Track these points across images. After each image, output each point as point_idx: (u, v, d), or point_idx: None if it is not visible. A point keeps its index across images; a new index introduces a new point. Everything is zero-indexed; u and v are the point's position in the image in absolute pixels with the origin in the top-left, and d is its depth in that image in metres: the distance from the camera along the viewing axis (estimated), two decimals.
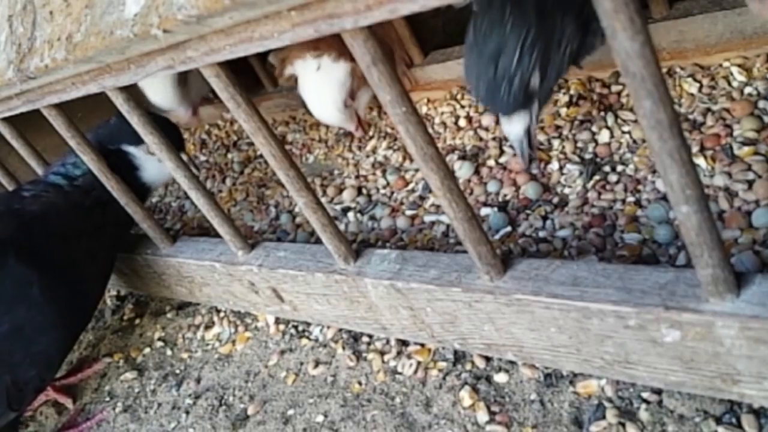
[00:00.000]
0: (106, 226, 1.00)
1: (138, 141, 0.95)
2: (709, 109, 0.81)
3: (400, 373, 0.79)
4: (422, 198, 0.98)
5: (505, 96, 0.69)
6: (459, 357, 0.76)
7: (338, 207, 1.07)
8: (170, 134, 0.86)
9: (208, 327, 1.07)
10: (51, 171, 1.01)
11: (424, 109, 1.14)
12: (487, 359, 0.74)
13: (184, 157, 0.97)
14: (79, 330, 0.98)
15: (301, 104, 1.37)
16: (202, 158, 1.56)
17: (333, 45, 0.97)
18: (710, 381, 0.53)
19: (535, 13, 0.66)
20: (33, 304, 0.86)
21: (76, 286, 0.92)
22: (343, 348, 0.86)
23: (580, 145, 0.89)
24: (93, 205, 0.98)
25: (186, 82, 1.14)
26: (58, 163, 1.02)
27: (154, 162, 1.02)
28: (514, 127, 0.73)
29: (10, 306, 0.84)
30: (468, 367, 0.74)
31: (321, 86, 0.97)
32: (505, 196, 0.89)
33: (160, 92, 1.13)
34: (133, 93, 0.77)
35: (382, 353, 0.82)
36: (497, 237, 0.83)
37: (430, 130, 0.79)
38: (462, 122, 1.06)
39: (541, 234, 0.80)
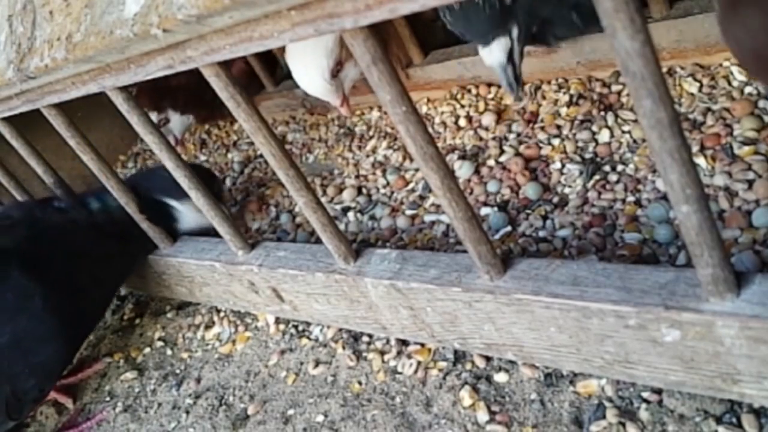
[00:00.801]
0: (121, 256, 1.01)
1: (181, 196, 0.97)
2: (709, 109, 0.81)
3: (400, 373, 0.79)
4: (422, 198, 0.98)
5: (482, 12, 0.65)
6: (459, 357, 0.76)
7: (338, 207, 1.07)
8: (207, 181, 0.89)
9: (208, 327, 1.07)
10: (92, 194, 1.03)
11: (424, 109, 1.14)
12: (487, 359, 0.74)
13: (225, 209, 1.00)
14: (79, 342, 0.99)
15: (302, 101, 1.38)
16: (203, 158, 1.56)
17: None
18: (710, 381, 0.53)
19: None
20: (34, 315, 0.86)
21: (79, 300, 0.92)
22: (343, 348, 0.86)
23: (580, 144, 0.89)
24: (114, 235, 0.99)
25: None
26: (99, 191, 1.03)
27: (193, 215, 1.04)
28: (495, 53, 0.69)
29: (12, 317, 0.85)
30: (468, 366, 0.74)
31: (308, 53, 0.92)
32: (504, 195, 0.89)
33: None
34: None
35: (382, 353, 0.82)
36: (497, 237, 0.83)
37: (430, 130, 0.79)
38: (462, 122, 1.06)
39: (541, 234, 0.80)
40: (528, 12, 0.70)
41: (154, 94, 1.29)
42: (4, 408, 0.88)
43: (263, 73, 1.40)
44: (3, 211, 1.01)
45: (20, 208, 1.04)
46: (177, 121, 1.35)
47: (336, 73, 0.93)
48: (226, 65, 0.61)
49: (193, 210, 1.03)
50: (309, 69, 0.93)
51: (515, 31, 0.69)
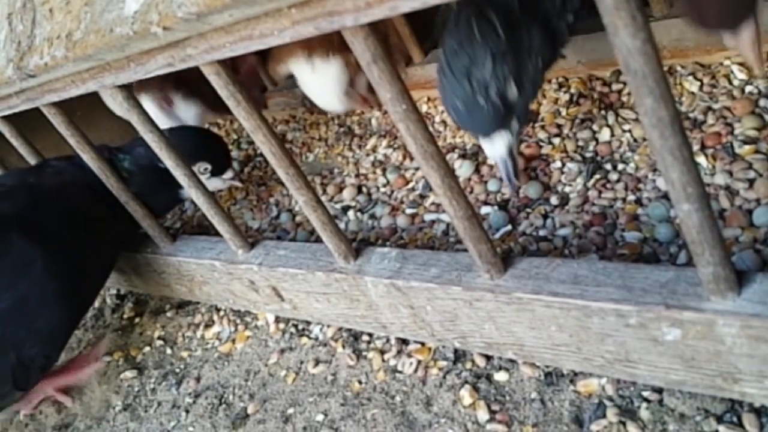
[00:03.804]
0: (121, 218, 1.00)
1: (191, 160, 0.98)
2: (709, 108, 0.81)
3: (400, 372, 0.78)
4: (422, 196, 0.98)
5: (484, 110, 0.68)
6: (459, 356, 0.76)
7: (338, 205, 1.07)
8: (217, 153, 1.02)
9: (207, 326, 1.06)
10: (123, 150, 1.02)
11: (424, 108, 1.14)
12: (488, 358, 0.74)
13: (231, 175, 1.12)
14: (82, 308, 0.98)
15: (302, 100, 1.38)
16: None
17: (322, 44, 0.98)
18: (711, 380, 0.53)
19: (503, 27, 0.66)
20: (35, 279, 0.85)
21: (80, 263, 0.91)
22: (343, 347, 0.86)
23: (580, 143, 0.89)
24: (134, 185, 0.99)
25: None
26: (106, 149, 1.02)
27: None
28: (497, 147, 0.72)
29: (13, 282, 0.84)
30: (468, 365, 0.74)
31: (320, 85, 1.00)
32: (505, 194, 0.89)
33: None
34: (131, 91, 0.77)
35: (382, 352, 0.82)
36: (497, 236, 0.83)
37: (431, 129, 0.79)
38: None
39: (542, 233, 0.80)
40: (530, 99, 0.73)
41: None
42: (11, 377, 0.86)
43: (263, 73, 1.40)
44: None
45: (13, 175, 1.03)
46: (184, 110, 1.26)
47: (350, 89, 1.02)
48: (226, 64, 0.61)
49: (200, 174, 1.03)
50: (326, 97, 1.02)
51: (515, 127, 0.72)
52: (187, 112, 1.30)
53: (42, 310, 0.86)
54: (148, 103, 1.20)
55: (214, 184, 1.11)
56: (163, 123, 1.22)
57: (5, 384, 0.87)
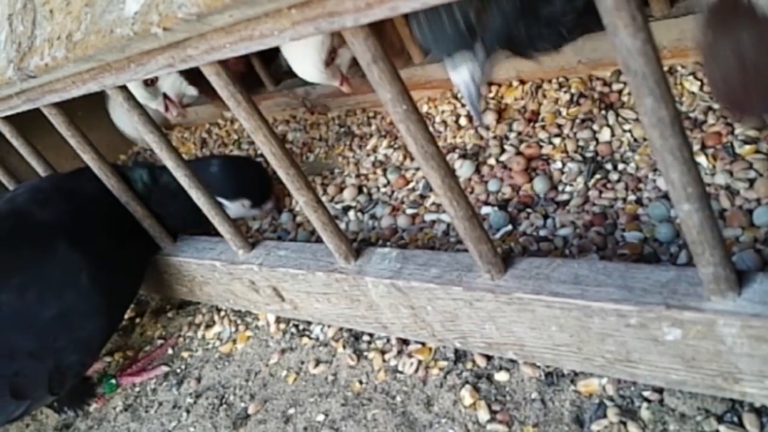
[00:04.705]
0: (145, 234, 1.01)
1: (234, 196, 1.06)
2: (710, 108, 0.81)
3: (400, 372, 0.78)
4: (423, 197, 0.98)
5: (448, 29, 0.67)
6: (460, 356, 0.76)
7: (339, 206, 1.07)
8: (258, 189, 1.07)
9: (208, 326, 1.07)
10: (139, 164, 1.03)
11: (424, 108, 1.14)
12: (488, 358, 0.74)
13: (270, 205, 1.14)
14: (121, 316, 0.99)
15: (302, 101, 1.38)
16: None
17: None
18: (712, 379, 0.53)
19: None
20: (81, 290, 0.86)
21: (120, 272, 0.92)
22: (344, 347, 0.86)
23: (581, 143, 0.89)
24: (153, 203, 0.99)
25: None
26: (145, 164, 1.04)
27: (241, 212, 1.10)
28: (461, 72, 0.72)
29: (59, 292, 0.84)
30: (469, 365, 0.74)
31: (300, 46, 0.98)
32: (505, 194, 0.89)
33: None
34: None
35: (382, 352, 0.82)
36: (498, 236, 0.83)
37: (431, 129, 0.79)
38: (463, 121, 1.06)
39: (542, 233, 0.80)
40: (498, 31, 0.72)
41: None
42: (48, 383, 0.87)
43: (263, 72, 1.40)
44: (33, 185, 0.99)
45: (50, 180, 1.03)
46: (166, 78, 1.22)
47: (330, 61, 0.98)
48: (225, 63, 0.61)
49: (240, 208, 1.09)
50: (304, 62, 0.99)
51: (481, 54, 0.71)
52: (172, 84, 1.27)
53: (85, 320, 0.87)
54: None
55: (251, 213, 1.13)
56: (147, 100, 1.21)
57: (41, 389, 0.88)
